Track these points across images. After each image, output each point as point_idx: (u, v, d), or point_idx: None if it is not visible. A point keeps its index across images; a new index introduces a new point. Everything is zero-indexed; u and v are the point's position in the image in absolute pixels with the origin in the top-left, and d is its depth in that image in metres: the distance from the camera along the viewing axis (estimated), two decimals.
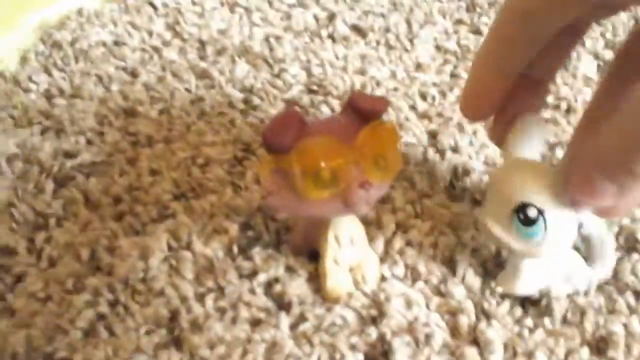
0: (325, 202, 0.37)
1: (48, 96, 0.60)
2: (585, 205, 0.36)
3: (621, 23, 0.70)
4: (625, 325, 0.40)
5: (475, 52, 0.46)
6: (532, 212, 0.37)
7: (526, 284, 0.42)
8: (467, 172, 0.51)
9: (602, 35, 0.69)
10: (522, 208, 0.37)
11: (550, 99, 0.59)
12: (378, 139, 0.38)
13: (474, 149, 0.54)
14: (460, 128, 0.56)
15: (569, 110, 0.58)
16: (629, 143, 0.30)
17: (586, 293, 0.42)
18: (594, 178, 0.33)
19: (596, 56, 0.65)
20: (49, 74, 0.62)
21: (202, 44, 0.68)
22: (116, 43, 0.68)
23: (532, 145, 0.41)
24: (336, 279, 0.42)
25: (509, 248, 0.39)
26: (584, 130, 0.40)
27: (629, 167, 0.31)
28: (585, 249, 0.42)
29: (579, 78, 0.62)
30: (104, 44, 0.67)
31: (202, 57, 0.66)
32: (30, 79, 0.62)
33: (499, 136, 0.42)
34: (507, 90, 0.38)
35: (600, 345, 0.39)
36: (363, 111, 0.38)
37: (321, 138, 0.37)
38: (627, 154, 0.31)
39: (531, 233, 0.38)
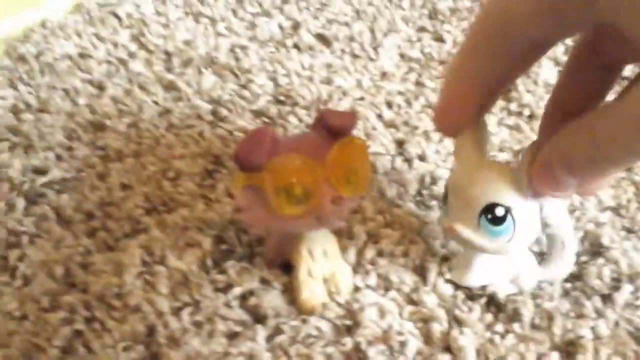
0: (298, 218, 0.38)
1: (15, 111, 0.60)
2: (546, 194, 0.37)
3: None
4: (592, 329, 0.41)
5: (440, 60, 0.46)
6: (499, 211, 0.38)
7: (476, 277, 0.43)
8: (434, 180, 0.52)
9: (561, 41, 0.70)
10: (489, 208, 0.38)
11: (513, 106, 0.60)
12: (348, 155, 0.39)
13: (440, 157, 0.55)
14: (427, 136, 0.57)
15: (531, 116, 0.59)
16: (597, 148, 0.31)
17: (551, 298, 0.43)
18: (558, 174, 0.34)
19: (556, 62, 0.66)
20: (15, 89, 0.62)
21: (168, 55, 0.68)
22: (81, 55, 0.68)
23: (482, 146, 0.42)
24: (310, 291, 0.42)
25: (478, 248, 0.40)
26: (548, 126, 0.42)
27: (593, 168, 0.33)
28: (548, 247, 0.43)
29: (540, 85, 0.63)
30: (70, 57, 0.67)
31: (169, 69, 0.66)
32: None
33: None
34: (484, 102, 0.38)
35: (569, 349, 0.40)
36: (333, 128, 0.39)
37: (293, 155, 0.37)
38: (594, 159, 0.32)
39: (500, 231, 0.39)
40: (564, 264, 0.43)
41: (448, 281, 0.44)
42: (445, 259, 0.45)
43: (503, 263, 0.42)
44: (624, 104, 0.29)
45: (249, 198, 0.39)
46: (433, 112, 0.39)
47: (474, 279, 0.43)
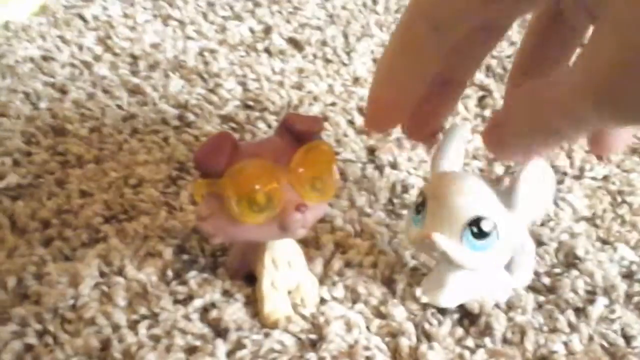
0: (261, 226, 0.37)
1: None
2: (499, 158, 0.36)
3: None
4: (565, 344, 0.40)
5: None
6: (487, 225, 0.37)
7: (450, 296, 0.41)
8: (406, 188, 0.50)
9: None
10: (475, 222, 0.37)
11: (487, 113, 0.59)
12: (313, 161, 0.37)
13: (412, 165, 0.53)
14: (399, 143, 0.55)
15: None
16: (538, 113, 0.30)
17: (524, 312, 0.42)
18: (504, 137, 0.33)
19: None
20: None
21: (135, 58, 0.66)
22: (45, 58, 0.66)
23: (459, 154, 0.41)
24: (273, 303, 0.40)
25: (454, 262, 0.39)
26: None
27: (534, 134, 0.31)
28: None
29: None
30: (32, 59, 0.65)
31: (135, 72, 0.65)
32: None
33: (421, 138, 0.42)
34: (419, 96, 0.36)
35: None
36: (298, 133, 0.37)
37: (255, 161, 0.36)
38: (534, 124, 0.31)
39: (482, 247, 0.38)
40: (526, 269, 0.43)
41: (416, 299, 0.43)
42: (415, 269, 0.44)
43: (477, 279, 0.41)
44: (565, 71, 0.28)
45: (210, 206, 0.37)
46: (366, 110, 0.37)
47: (448, 298, 0.42)
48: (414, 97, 0.35)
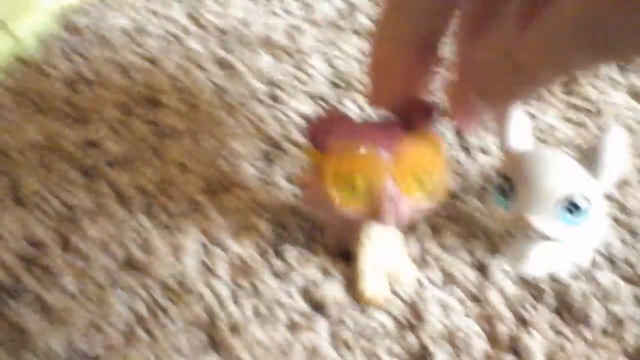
0: (354, 209, 0.37)
1: (69, 83, 0.59)
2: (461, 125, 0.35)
3: None
4: None
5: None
6: (580, 200, 0.38)
7: (535, 265, 0.43)
8: (497, 172, 0.51)
9: None
10: (569, 198, 0.38)
11: (578, 101, 0.59)
12: (419, 153, 0.37)
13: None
14: (486, 128, 0.55)
15: (599, 112, 0.57)
16: (517, 65, 0.29)
17: (622, 303, 0.42)
18: (473, 100, 0.31)
19: None
20: (70, 60, 0.61)
21: (223, 33, 0.67)
22: (137, 30, 0.67)
23: (526, 130, 0.43)
24: (370, 283, 0.41)
25: (553, 239, 0.40)
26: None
27: (510, 91, 0.30)
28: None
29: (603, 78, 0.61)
30: (125, 31, 0.66)
31: (223, 47, 0.65)
32: (51, 64, 0.60)
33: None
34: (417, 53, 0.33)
35: None
36: (410, 119, 0.37)
37: (361, 144, 0.36)
38: (511, 78, 0.29)
39: (579, 220, 0.39)
40: (601, 230, 0.42)
41: (512, 279, 0.43)
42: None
43: (558, 248, 0.42)
44: (547, 10, 0.26)
45: (311, 176, 0.38)
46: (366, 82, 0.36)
47: (533, 267, 0.43)
48: (411, 54, 0.33)
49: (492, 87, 0.31)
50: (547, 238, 0.40)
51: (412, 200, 0.37)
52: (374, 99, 0.37)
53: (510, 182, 0.40)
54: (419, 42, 0.33)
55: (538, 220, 0.39)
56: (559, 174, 0.39)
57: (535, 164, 0.40)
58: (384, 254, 0.42)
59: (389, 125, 0.38)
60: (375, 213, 0.37)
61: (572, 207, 0.38)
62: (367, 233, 0.41)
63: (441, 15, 0.32)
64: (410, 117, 0.37)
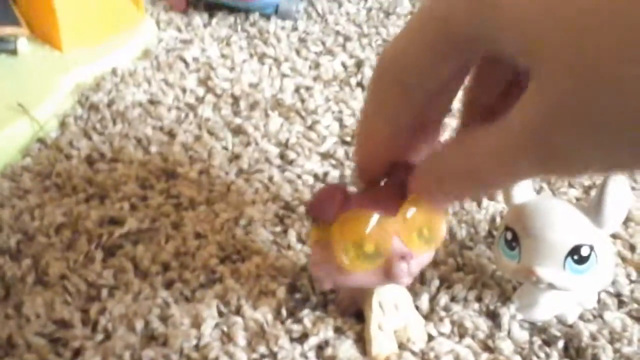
0: (367, 273, 0.39)
1: (90, 161, 0.61)
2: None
3: None
4: None
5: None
6: (585, 251, 0.40)
7: (544, 311, 0.44)
8: None
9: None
10: (575, 250, 0.40)
11: None
12: (421, 210, 0.38)
13: None
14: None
15: None
16: (471, 166, 0.30)
17: (630, 342, 0.43)
18: (432, 188, 0.34)
19: None
20: (89, 138, 0.64)
21: (235, 98, 0.69)
22: (151, 102, 0.69)
23: (528, 181, 0.45)
24: (380, 345, 0.43)
25: (562, 289, 0.41)
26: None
27: (463, 188, 0.32)
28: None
29: None
30: (140, 104, 0.68)
31: (236, 113, 0.67)
32: (71, 144, 0.63)
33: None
34: (401, 145, 0.36)
35: None
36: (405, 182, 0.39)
37: (363, 210, 0.38)
38: (464, 177, 0.31)
39: (585, 269, 0.40)
40: (608, 272, 0.43)
41: (523, 326, 0.44)
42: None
43: (565, 292, 0.43)
44: (501, 121, 0.27)
45: (319, 253, 0.40)
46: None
47: (542, 313, 0.44)
48: (396, 148, 0.36)
49: (447, 183, 0.32)
50: (555, 288, 0.41)
51: (420, 255, 0.39)
52: (363, 181, 0.39)
53: (516, 234, 0.41)
54: (400, 140, 0.35)
55: (545, 272, 0.40)
56: (563, 226, 0.40)
57: (539, 217, 0.41)
58: (393, 315, 0.43)
59: (387, 188, 0.40)
60: (387, 273, 0.39)
61: (578, 258, 0.39)
62: (376, 295, 0.42)
63: (419, 112, 0.34)
64: (399, 179, 0.39)
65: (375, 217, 0.37)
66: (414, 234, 0.38)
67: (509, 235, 0.42)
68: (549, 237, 0.40)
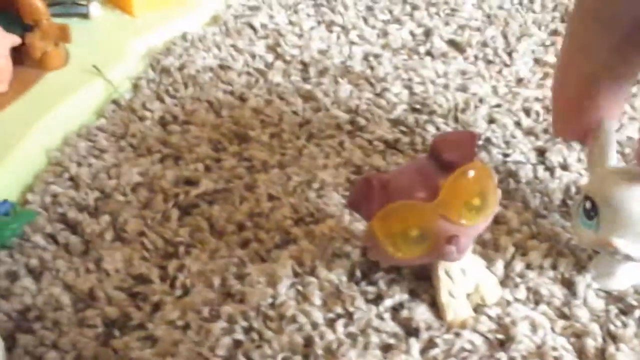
0: (419, 257, 0.40)
1: (163, 123, 0.62)
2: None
3: None
4: None
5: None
6: None
7: (621, 281, 0.44)
8: (579, 189, 0.51)
9: None
10: None
11: None
12: (464, 186, 0.38)
13: (582, 165, 0.54)
14: (568, 144, 0.56)
15: None
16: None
17: None
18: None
19: None
20: (162, 101, 0.65)
21: (305, 65, 0.70)
22: (221, 67, 0.70)
23: (614, 153, 0.43)
24: (454, 311, 0.43)
25: (639, 261, 0.41)
26: None
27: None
28: None
29: None
30: (211, 69, 0.69)
31: (306, 79, 0.68)
32: (144, 106, 0.64)
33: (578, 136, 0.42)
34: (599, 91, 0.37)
35: None
36: (446, 164, 0.39)
37: (401, 203, 0.38)
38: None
39: None
40: None
41: (599, 294, 0.44)
42: None
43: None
44: None
45: (370, 241, 0.41)
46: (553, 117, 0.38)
47: (619, 283, 0.44)
48: (595, 93, 0.36)
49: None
50: (632, 260, 0.41)
51: (470, 228, 0.39)
52: (561, 131, 0.39)
53: (595, 204, 0.41)
54: (603, 79, 0.36)
55: (623, 243, 0.40)
56: None
57: (620, 188, 0.40)
58: (461, 280, 0.43)
59: (424, 167, 0.40)
60: (437, 253, 0.39)
61: None
62: (441, 264, 0.43)
63: (622, 54, 0.34)
64: (447, 160, 0.39)
65: (413, 207, 0.38)
66: (462, 209, 0.38)
67: (588, 205, 0.42)
68: (629, 208, 0.40)
